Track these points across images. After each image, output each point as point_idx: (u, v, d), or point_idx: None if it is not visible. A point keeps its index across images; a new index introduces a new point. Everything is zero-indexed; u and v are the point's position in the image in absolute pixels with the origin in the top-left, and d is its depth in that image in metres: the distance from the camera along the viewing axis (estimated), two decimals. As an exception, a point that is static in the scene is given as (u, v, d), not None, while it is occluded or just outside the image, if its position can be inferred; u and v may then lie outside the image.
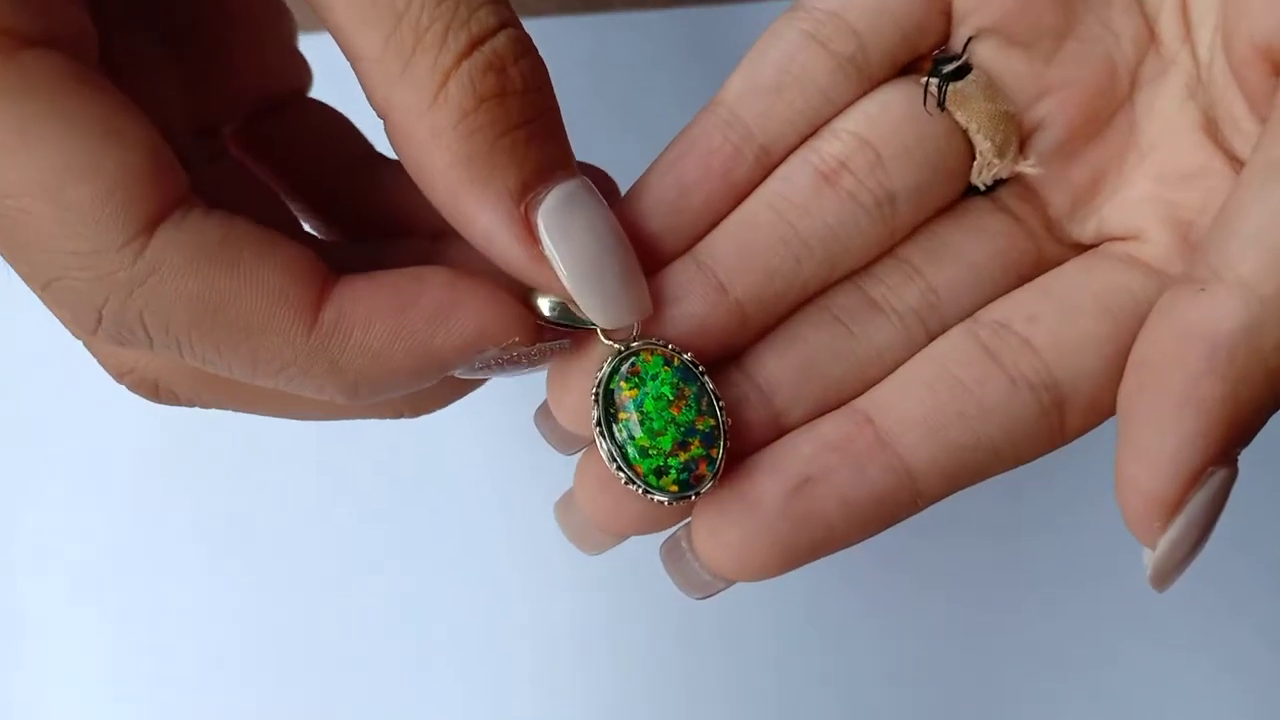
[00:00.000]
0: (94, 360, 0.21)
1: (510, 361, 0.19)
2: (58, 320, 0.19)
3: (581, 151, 0.19)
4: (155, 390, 0.20)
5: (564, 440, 0.21)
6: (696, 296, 0.20)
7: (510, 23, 0.18)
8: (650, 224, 0.21)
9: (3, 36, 0.16)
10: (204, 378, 0.20)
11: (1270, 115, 0.19)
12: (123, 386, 0.21)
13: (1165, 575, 0.18)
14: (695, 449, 0.19)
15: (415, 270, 0.19)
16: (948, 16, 0.22)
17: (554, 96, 0.18)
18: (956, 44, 0.22)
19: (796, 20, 0.22)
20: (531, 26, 0.18)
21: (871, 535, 0.20)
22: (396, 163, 0.22)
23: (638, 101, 0.37)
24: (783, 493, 0.19)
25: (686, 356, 0.20)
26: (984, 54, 0.22)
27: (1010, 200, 0.23)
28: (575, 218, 0.18)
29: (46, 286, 0.17)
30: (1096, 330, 0.20)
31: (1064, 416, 0.20)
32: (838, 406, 0.21)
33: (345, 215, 0.24)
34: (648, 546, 0.21)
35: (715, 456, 0.20)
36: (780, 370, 0.21)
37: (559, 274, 0.18)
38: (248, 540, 0.35)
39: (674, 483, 0.19)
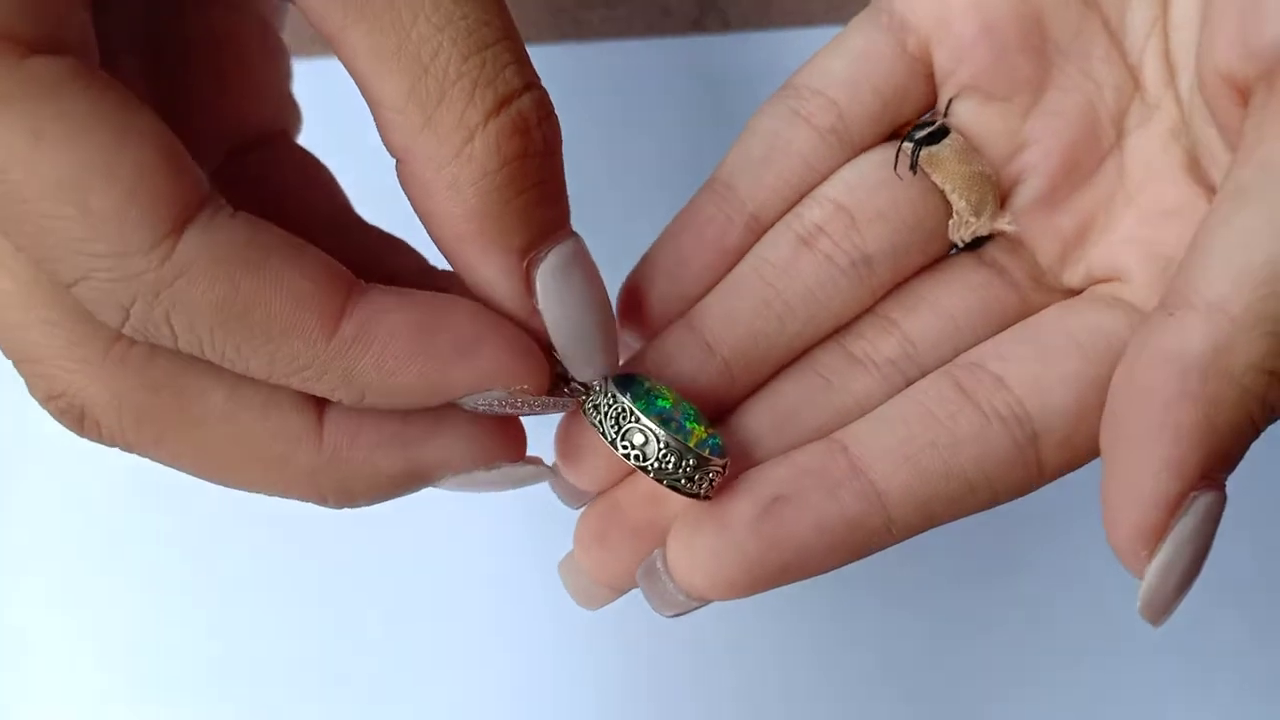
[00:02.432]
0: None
1: (510, 406, 0.20)
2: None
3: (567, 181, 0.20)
4: (80, 421, 0.19)
5: (572, 495, 0.23)
6: (687, 358, 0.22)
7: (534, 83, 0.18)
8: (653, 291, 0.23)
9: (9, 42, 0.16)
10: (140, 420, 0.19)
11: (1240, 144, 0.19)
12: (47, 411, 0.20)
13: (1157, 606, 0.18)
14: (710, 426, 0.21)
15: (444, 296, 0.19)
16: (931, 79, 0.24)
17: (562, 156, 0.19)
18: (942, 105, 0.23)
19: (784, 98, 0.24)
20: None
21: (844, 563, 0.20)
22: (373, 228, 0.23)
23: (620, 130, 0.37)
24: (754, 511, 0.20)
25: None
26: (964, 112, 0.23)
27: (997, 253, 0.23)
28: (570, 278, 0.20)
29: (73, 285, 0.17)
30: (1069, 367, 0.21)
31: (1039, 453, 0.20)
32: None
33: None
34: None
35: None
36: (762, 425, 0.22)
37: (547, 327, 0.20)
38: (239, 554, 0.35)
39: (712, 451, 0.20)
